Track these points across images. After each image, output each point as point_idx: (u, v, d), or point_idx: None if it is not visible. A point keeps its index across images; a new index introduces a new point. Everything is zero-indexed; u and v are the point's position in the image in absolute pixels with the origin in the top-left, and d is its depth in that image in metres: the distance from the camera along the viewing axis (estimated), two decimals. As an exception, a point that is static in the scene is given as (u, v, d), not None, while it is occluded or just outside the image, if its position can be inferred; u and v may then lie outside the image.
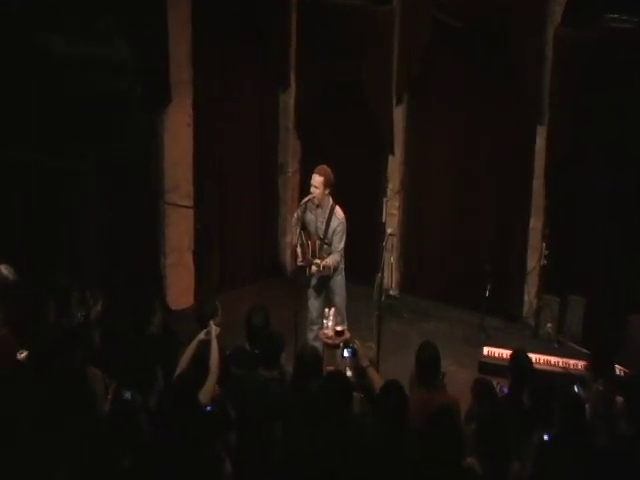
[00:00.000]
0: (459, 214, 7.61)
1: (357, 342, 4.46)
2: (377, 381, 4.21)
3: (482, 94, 7.23)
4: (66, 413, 3.65)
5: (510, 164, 7.23)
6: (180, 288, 7.38)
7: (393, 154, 7.82)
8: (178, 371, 4.28)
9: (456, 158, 7.55)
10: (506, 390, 4.34)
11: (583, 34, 6.53)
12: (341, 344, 4.82)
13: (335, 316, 5.53)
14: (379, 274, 5.67)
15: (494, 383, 4.36)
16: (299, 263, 5.88)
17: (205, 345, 4.43)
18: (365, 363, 4.34)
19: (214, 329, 4.46)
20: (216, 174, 7.74)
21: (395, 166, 7.88)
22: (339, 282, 6.01)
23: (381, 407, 3.82)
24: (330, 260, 5.70)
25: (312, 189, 5.78)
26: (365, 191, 8.08)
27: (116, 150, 6.02)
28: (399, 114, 7.73)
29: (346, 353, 4.39)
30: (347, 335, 5.24)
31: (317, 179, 5.75)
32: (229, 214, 7.95)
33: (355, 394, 4.04)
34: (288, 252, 8.38)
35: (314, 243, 5.89)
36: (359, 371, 4.35)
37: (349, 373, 4.47)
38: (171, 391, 3.84)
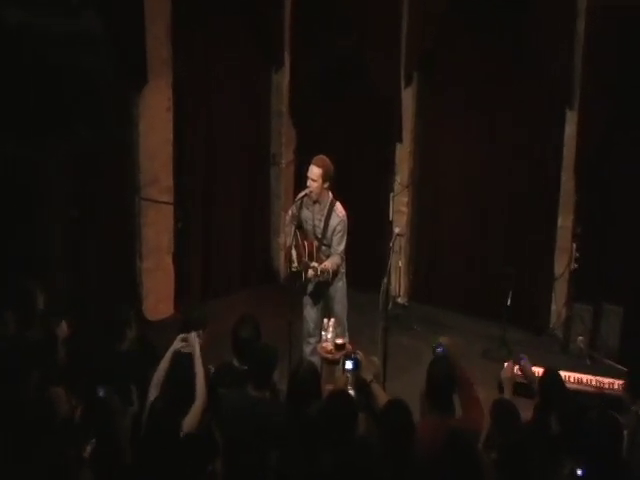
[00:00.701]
0: (477, 211, 7.63)
1: (361, 353, 4.46)
2: (382, 399, 4.19)
3: (504, 74, 7.23)
4: (24, 444, 3.63)
5: (535, 154, 7.24)
6: (158, 296, 7.39)
7: (401, 142, 7.83)
8: (152, 391, 4.26)
9: (474, 147, 7.56)
10: (523, 360, 4.38)
11: (619, 4, 6.50)
12: (342, 357, 4.81)
13: (335, 327, 5.53)
14: (385, 280, 5.66)
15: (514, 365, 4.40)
16: (294, 267, 5.87)
17: (182, 357, 4.39)
18: (369, 377, 4.32)
19: (196, 340, 4.41)
20: (199, 166, 7.74)
21: (404, 156, 7.89)
22: (339, 289, 6.01)
23: (382, 430, 3.80)
24: (329, 263, 5.69)
25: (309, 182, 5.76)
26: (369, 185, 8.10)
27: (83, 138, 6.00)
28: (408, 96, 7.75)
29: (348, 365, 4.39)
30: (349, 349, 5.23)
31: (315, 171, 5.72)
32: (214, 211, 7.96)
33: (359, 415, 4.04)
34: (281, 254, 8.42)
35: (311, 244, 5.88)
36: (361, 385, 4.33)
37: (352, 392, 4.46)
38: (149, 419, 3.82)
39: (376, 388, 4.31)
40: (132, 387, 4.21)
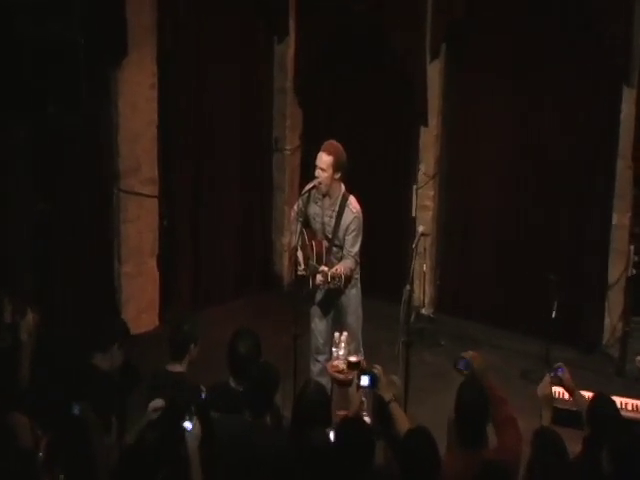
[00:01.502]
0: (515, 207, 7.62)
1: (379, 368, 4.44)
2: (402, 422, 4.17)
3: (547, 45, 7.20)
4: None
5: (585, 139, 7.20)
6: (140, 305, 7.41)
7: (426, 126, 7.84)
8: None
9: (511, 131, 7.55)
10: (562, 372, 4.35)
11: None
12: (357, 372, 4.79)
13: (348, 343, 5.51)
14: (407, 287, 5.64)
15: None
16: (300, 272, 5.88)
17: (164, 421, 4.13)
18: (388, 397, 4.30)
19: (193, 431, 3.99)
20: (189, 153, 7.77)
21: (429, 142, 7.89)
22: (353, 297, 6.00)
23: (402, 464, 3.78)
24: (341, 268, 5.67)
25: (317, 172, 5.75)
26: (388, 176, 8.11)
27: (53, 119, 5.99)
28: (435, 73, 7.74)
29: (363, 381, 4.36)
30: (364, 366, 5.21)
31: (324, 159, 5.72)
32: (207, 206, 7.99)
33: (377, 443, 4.00)
34: (285, 257, 8.45)
35: (320, 245, 5.89)
36: (379, 406, 4.30)
37: (368, 419, 4.43)
38: None
39: (396, 410, 4.27)
40: (111, 417, 4.18)
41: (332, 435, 4.00)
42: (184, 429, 3.94)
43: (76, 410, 3.98)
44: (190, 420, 3.96)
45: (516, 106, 7.48)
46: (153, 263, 7.52)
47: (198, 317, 6.48)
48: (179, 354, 4.64)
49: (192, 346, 4.65)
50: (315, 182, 5.79)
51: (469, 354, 4.34)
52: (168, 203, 7.56)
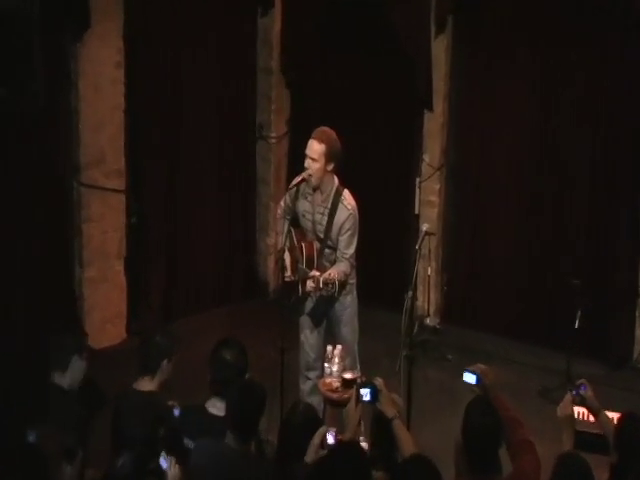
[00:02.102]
0: (533, 203, 7.63)
1: (380, 380, 4.45)
2: (407, 443, 4.18)
3: (575, 18, 7.16)
4: None
5: (613, 125, 7.19)
6: (105, 315, 7.42)
7: (431, 111, 7.86)
8: None
9: (530, 117, 7.56)
10: (584, 389, 4.33)
11: None
12: (356, 383, 4.78)
13: (342, 357, 5.48)
14: (409, 293, 5.65)
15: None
16: (287, 277, 5.86)
17: None
18: (391, 413, 4.30)
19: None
20: (161, 141, 7.78)
21: (434, 129, 7.91)
22: (348, 306, 5.97)
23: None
24: (335, 272, 5.64)
25: (307, 163, 5.75)
26: (388, 167, 8.12)
27: (3, 103, 5.95)
28: (440, 48, 7.76)
29: (364, 395, 4.38)
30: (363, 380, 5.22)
31: (315, 148, 5.71)
32: (181, 202, 8.01)
33: (375, 474, 3.98)
34: (271, 260, 8.46)
35: (310, 246, 5.88)
36: (380, 424, 4.29)
37: (365, 445, 4.43)
38: None
39: (400, 429, 4.27)
40: (73, 445, 4.14)
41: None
42: (160, 467, 3.91)
43: (31, 437, 3.93)
44: (166, 457, 3.93)
45: (535, 88, 7.48)
46: (120, 267, 7.53)
47: (172, 328, 6.45)
48: (150, 371, 4.62)
49: (165, 362, 4.63)
50: (305, 174, 5.78)
51: (479, 368, 4.34)
52: (137, 198, 7.56)
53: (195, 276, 8.18)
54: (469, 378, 4.29)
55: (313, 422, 4.29)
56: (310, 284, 5.66)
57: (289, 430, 4.24)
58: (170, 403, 4.57)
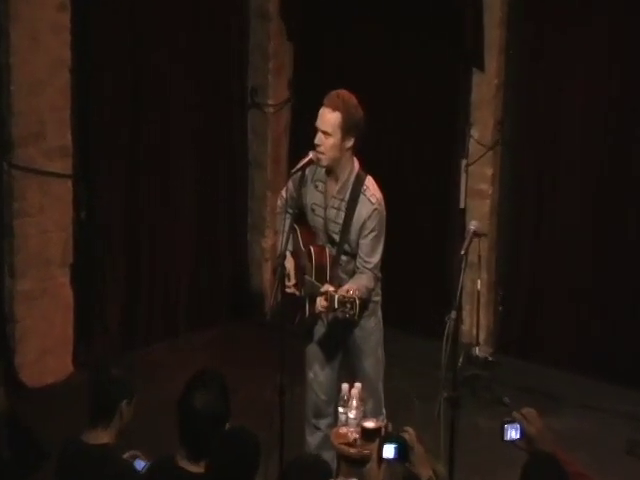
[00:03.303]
0: (619, 191, 7.60)
1: (411, 431, 4.39)
2: None
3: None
4: None
5: None
6: (46, 342, 7.41)
7: (482, 70, 7.86)
8: None
9: (613, 79, 7.53)
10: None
11: None
12: (380, 435, 4.71)
13: (362, 399, 5.50)
14: (452, 314, 5.56)
15: None
16: (290, 292, 5.86)
17: None
18: (426, 475, 4.25)
19: None
20: (121, 109, 7.80)
21: (486, 95, 7.93)
22: (371, 332, 5.94)
23: None
24: (354, 287, 5.59)
25: (318, 139, 5.69)
26: (424, 146, 8.13)
27: None
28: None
29: (388, 452, 4.32)
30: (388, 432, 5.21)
31: (328, 118, 5.66)
32: (148, 191, 8.03)
33: None
34: (267, 269, 8.46)
35: (321, 251, 5.85)
36: None
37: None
38: None
39: None
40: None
41: None
42: None
43: None
44: None
45: (620, 40, 7.46)
46: (65, 277, 7.51)
47: (134, 360, 6.44)
48: (104, 416, 4.58)
49: (124, 404, 4.59)
50: (313, 155, 5.72)
51: (522, 414, 4.28)
52: (88, 186, 7.55)
53: (166, 290, 8.20)
54: (511, 433, 4.25)
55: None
56: (321, 303, 5.59)
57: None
58: (131, 453, 4.59)
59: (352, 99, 5.69)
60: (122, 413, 4.56)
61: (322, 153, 5.65)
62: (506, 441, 4.22)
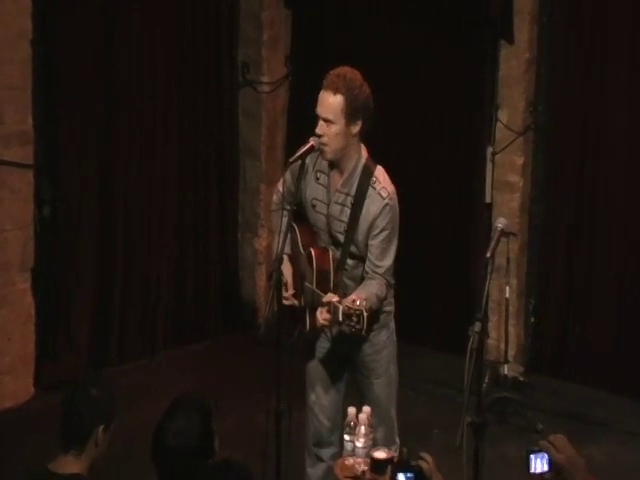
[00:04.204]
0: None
1: (429, 459, 4.42)
2: None
3: None
4: None
5: None
6: (3, 359, 7.44)
7: (511, 42, 7.88)
8: None
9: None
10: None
11: None
12: (390, 467, 4.82)
13: (372, 426, 5.48)
14: (476, 326, 5.61)
15: None
16: (287, 301, 5.89)
17: None
18: None
19: None
20: (90, 90, 7.81)
21: (515, 71, 7.94)
22: (383, 347, 5.96)
23: None
24: (363, 296, 5.54)
25: (320, 127, 5.72)
26: (443, 132, 8.18)
27: None
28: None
29: None
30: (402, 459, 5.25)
31: (330, 102, 5.67)
32: (123, 183, 8.05)
33: None
34: (261, 274, 8.54)
35: (323, 254, 5.88)
36: None
37: None
38: None
39: None
40: None
41: None
42: None
43: None
44: None
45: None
46: (26, 284, 7.57)
47: (109, 379, 6.47)
48: (76, 443, 4.60)
49: (100, 430, 4.62)
50: (314, 142, 5.76)
51: (550, 440, 4.29)
52: (52, 178, 7.61)
53: (143, 299, 8.22)
54: (538, 465, 4.24)
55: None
56: (323, 315, 5.62)
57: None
58: None
59: (356, 77, 5.70)
60: (98, 440, 4.57)
61: (325, 144, 5.68)
62: (533, 474, 4.22)
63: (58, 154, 7.71)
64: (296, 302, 5.90)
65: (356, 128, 5.71)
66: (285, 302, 5.86)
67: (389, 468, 4.79)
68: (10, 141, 7.38)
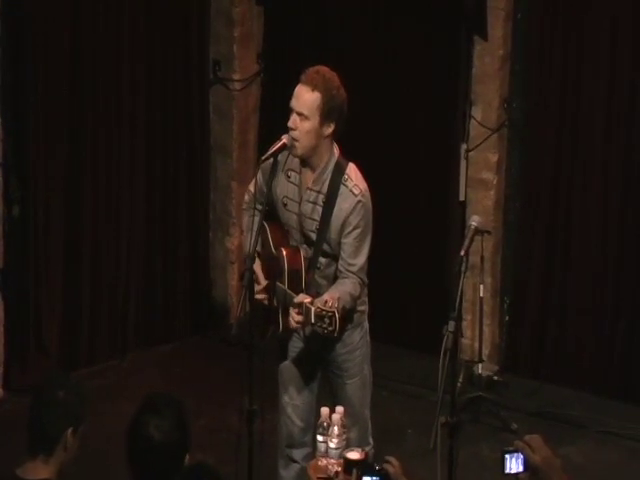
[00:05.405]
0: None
1: (395, 462, 4.43)
2: None
3: None
4: None
5: None
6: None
7: (485, 39, 7.88)
8: None
9: None
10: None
11: None
12: (355, 470, 4.79)
13: (345, 427, 5.49)
14: (450, 325, 5.58)
15: None
16: (259, 301, 5.85)
17: None
18: None
19: None
20: (59, 76, 7.79)
21: (489, 67, 7.93)
22: (356, 347, 5.97)
23: None
24: (335, 296, 5.54)
25: (293, 121, 5.73)
26: (416, 128, 8.15)
27: None
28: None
29: None
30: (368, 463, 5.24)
31: (306, 98, 5.69)
32: (92, 181, 8.03)
33: None
34: (232, 273, 8.54)
35: (294, 253, 5.88)
36: None
37: None
38: None
39: None
40: None
41: None
42: None
43: None
44: None
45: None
46: (-9, 286, 7.55)
47: (78, 380, 6.43)
48: (45, 447, 4.58)
49: (69, 433, 4.58)
50: (286, 138, 5.79)
51: (525, 441, 4.28)
52: (20, 176, 7.59)
53: (112, 299, 8.21)
54: (512, 465, 4.21)
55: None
56: (295, 317, 5.61)
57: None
58: None
59: (334, 78, 5.73)
60: (67, 443, 4.53)
61: (296, 139, 5.68)
62: (507, 474, 4.19)
63: (26, 152, 7.68)
64: (268, 303, 5.88)
65: (329, 130, 5.73)
66: (257, 296, 5.85)
67: (354, 472, 4.76)
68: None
